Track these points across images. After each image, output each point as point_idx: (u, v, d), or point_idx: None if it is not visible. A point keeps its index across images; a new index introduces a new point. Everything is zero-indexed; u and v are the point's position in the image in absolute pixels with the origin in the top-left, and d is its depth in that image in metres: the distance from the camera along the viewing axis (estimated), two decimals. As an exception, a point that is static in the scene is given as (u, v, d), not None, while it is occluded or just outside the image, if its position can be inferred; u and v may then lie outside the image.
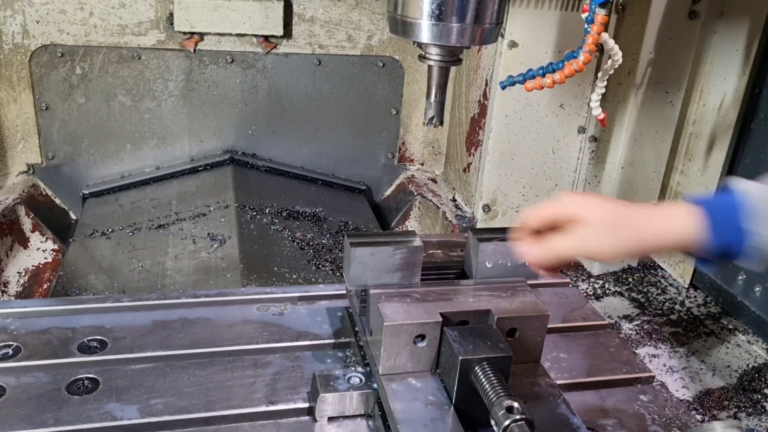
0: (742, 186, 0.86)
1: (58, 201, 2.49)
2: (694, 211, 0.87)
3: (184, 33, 2.36)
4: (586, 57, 1.59)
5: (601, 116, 1.78)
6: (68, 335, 1.19)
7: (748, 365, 1.88)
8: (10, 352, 1.14)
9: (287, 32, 2.43)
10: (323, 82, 2.54)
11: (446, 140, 2.66)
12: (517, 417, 0.87)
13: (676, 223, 0.88)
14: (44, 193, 2.45)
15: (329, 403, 1.05)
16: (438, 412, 0.98)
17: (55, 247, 2.30)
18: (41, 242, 2.29)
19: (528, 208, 0.98)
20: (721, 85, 2.12)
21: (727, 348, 1.96)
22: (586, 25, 1.59)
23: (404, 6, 1.44)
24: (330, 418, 1.07)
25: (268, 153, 2.60)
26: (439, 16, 1.40)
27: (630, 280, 2.27)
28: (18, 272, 2.16)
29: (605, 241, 0.90)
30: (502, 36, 2.05)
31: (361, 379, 1.10)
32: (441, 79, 1.53)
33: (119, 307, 1.28)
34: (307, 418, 1.07)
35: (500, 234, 1.15)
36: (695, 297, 2.20)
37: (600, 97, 1.76)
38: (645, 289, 2.22)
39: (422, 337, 1.03)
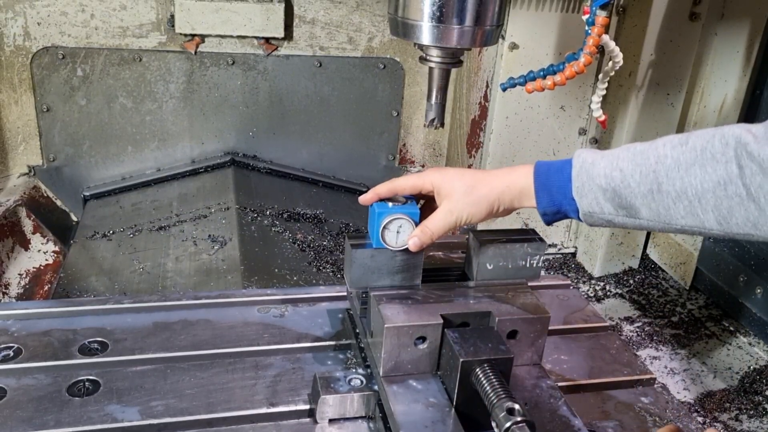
0: (578, 156, 0.98)
1: (59, 203, 2.49)
2: (531, 173, 1.02)
3: (185, 35, 2.37)
4: (587, 59, 1.59)
5: (602, 118, 1.78)
6: (69, 337, 1.19)
7: (749, 367, 1.88)
8: (11, 354, 1.14)
9: (288, 34, 2.43)
10: (324, 84, 2.54)
11: (447, 142, 2.66)
12: (518, 419, 0.87)
13: (517, 179, 1.02)
14: (45, 194, 2.45)
15: (330, 404, 1.05)
16: (439, 414, 0.98)
17: (56, 248, 2.30)
18: (42, 244, 2.29)
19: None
20: (721, 87, 2.12)
21: (729, 350, 1.96)
22: (586, 27, 1.59)
23: (405, 8, 1.44)
24: (331, 420, 1.06)
25: (269, 155, 2.60)
26: (440, 17, 1.40)
27: (631, 282, 2.27)
28: (19, 274, 2.16)
29: (467, 202, 1.04)
30: (503, 38, 2.05)
31: (361, 381, 1.10)
32: (442, 80, 1.53)
33: (120, 309, 1.28)
34: (307, 420, 1.07)
35: (501, 236, 1.15)
36: (696, 299, 2.20)
37: (601, 98, 1.76)
38: (646, 291, 2.22)
39: (423, 338, 1.03)
